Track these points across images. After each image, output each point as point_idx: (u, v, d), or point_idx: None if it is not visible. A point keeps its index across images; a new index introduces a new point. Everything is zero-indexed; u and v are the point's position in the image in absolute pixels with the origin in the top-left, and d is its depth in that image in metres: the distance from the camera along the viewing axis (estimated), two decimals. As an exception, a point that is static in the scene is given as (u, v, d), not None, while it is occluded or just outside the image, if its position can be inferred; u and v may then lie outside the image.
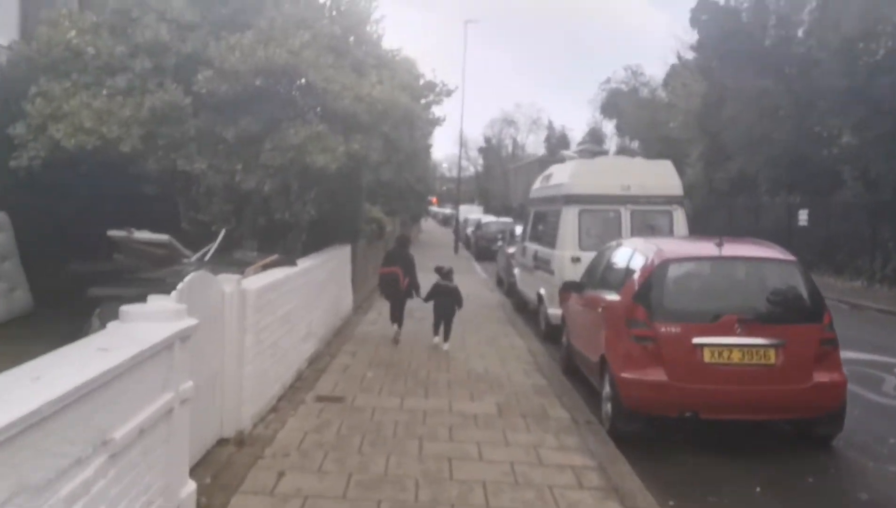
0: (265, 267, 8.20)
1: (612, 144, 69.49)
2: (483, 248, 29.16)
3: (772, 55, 33.29)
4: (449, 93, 10.60)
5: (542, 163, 71.86)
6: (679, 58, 52.42)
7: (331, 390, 7.64)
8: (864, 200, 23.45)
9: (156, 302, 4.35)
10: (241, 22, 9.13)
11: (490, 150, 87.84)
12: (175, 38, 9.07)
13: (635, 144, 53.21)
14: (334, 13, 10.15)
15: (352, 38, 9.93)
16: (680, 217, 11.21)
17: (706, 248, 6.86)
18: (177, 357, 4.15)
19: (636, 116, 55.07)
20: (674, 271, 6.59)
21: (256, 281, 6.43)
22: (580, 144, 79.75)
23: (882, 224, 22.20)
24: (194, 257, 8.48)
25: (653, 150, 39.30)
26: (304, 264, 8.76)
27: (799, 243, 22.68)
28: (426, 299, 10.63)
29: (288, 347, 7.41)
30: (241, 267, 7.98)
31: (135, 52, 9.16)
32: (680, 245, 7.49)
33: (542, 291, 11.85)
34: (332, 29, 9.49)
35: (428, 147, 11.79)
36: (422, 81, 10.49)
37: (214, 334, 5.40)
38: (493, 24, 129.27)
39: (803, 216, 26.77)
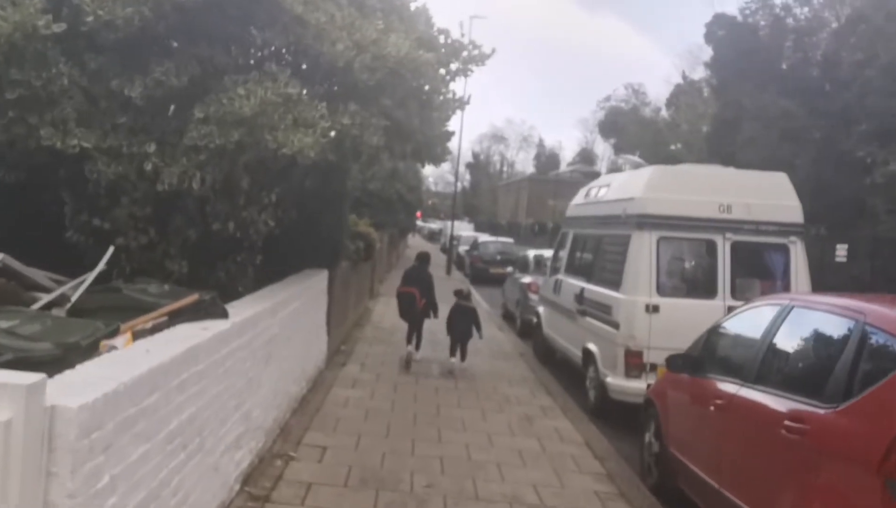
0: (174, 314, 4.71)
1: (603, 165, 66.60)
2: (480, 270, 25.60)
3: (790, 77, 30.98)
4: (483, 59, 7.14)
5: (532, 181, 69.03)
6: (684, 77, 49.75)
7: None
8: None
9: None
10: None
11: (478, 165, 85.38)
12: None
13: (633, 166, 50.28)
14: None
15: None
16: (800, 254, 7.88)
17: None
18: None
19: (637, 136, 52.26)
20: None
21: (91, 386, 2.84)
22: (570, 163, 77.14)
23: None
24: (53, 293, 4.94)
25: (655, 172, 36.83)
26: (245, 309, 5.23)
27: (836, 281, 19.59)
28: (447, 322, 9.99)
29: (192, 481, 3.89)
30: (129, 314, 4.51)
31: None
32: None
33: (594, 347, 8.41)
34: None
35: (447, 136, 8.17)
36: (443, 39, 7.05)
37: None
38: (496, 23, 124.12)
39: (842, 251, 23.78)
